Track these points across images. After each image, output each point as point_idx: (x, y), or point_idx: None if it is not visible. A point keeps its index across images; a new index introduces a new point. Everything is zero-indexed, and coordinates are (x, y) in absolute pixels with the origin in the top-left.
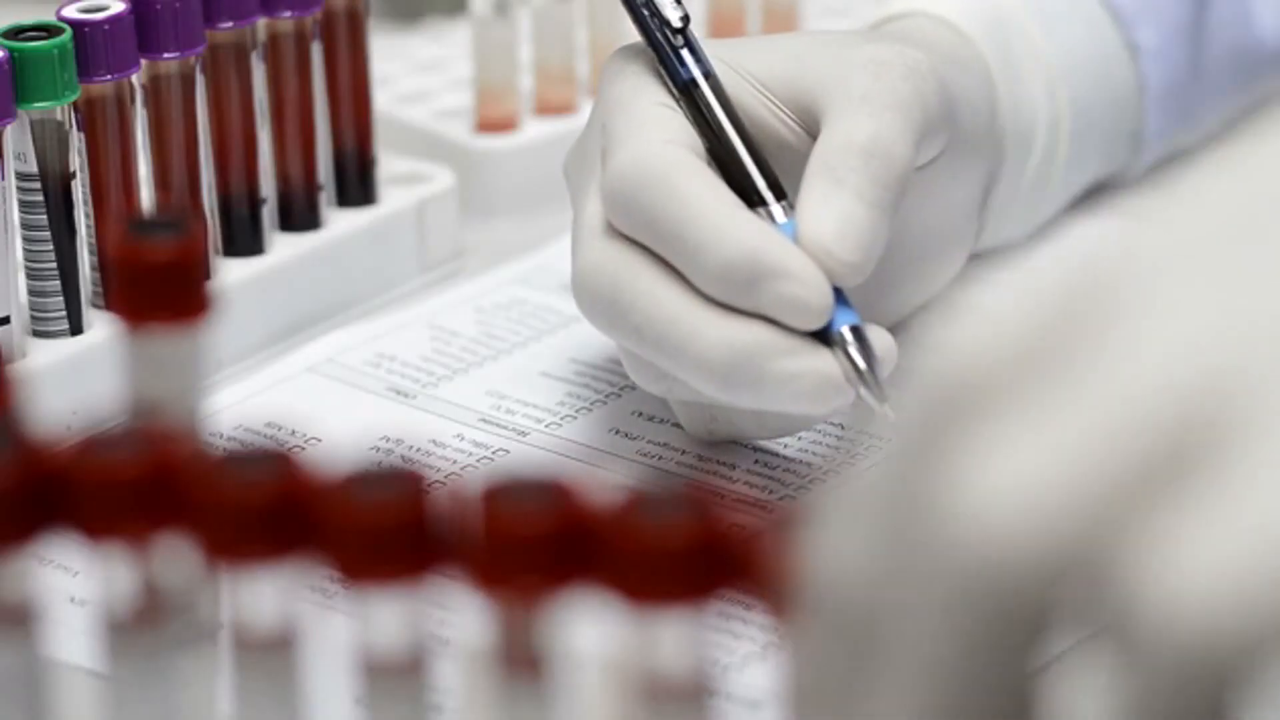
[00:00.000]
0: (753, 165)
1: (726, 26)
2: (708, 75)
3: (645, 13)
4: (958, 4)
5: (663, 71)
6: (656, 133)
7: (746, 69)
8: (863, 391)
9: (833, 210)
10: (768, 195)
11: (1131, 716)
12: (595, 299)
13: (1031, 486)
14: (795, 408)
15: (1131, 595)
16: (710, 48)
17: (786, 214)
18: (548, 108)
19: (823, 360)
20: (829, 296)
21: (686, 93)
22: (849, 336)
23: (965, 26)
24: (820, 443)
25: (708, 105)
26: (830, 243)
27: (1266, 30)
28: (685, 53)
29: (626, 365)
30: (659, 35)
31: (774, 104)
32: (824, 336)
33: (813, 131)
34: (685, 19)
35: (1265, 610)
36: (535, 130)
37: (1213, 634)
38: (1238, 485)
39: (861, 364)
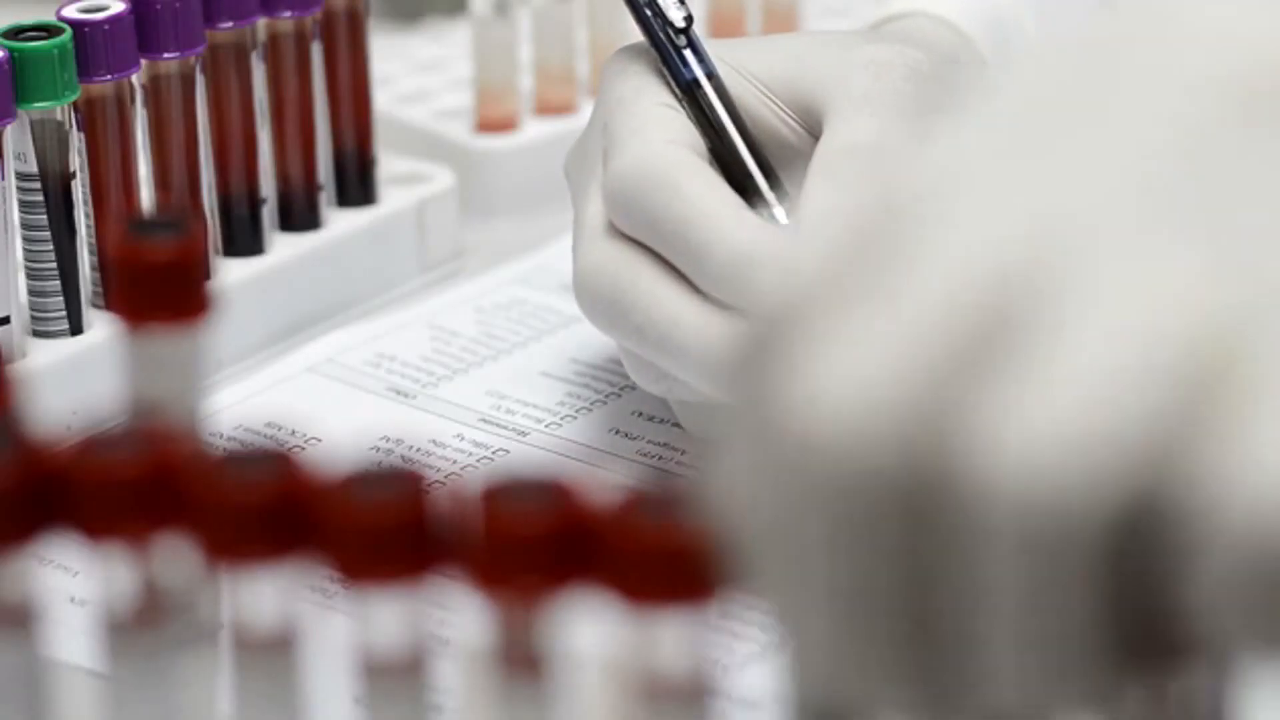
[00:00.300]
0: (755, 166)
1: (727, 26)
2: (710, 76)
3: (648, 13)
4: (958, 4)
5: (665, 71)
6: (658, 133)
7: (747, 69)
8: None
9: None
10: (770, 196)
11: (984, 587)
12: (596, 299)
13: (863, 380)
14: None
15: (971, 465)
16: (710, 48)
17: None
18: (548, 108)
19: None
20: None
21: (689, 93)
22: None
23: (965, 26)
24: None
25: (710, 105)
26: None
27: None
28: (688, 53)
29: (627, 365)
30: (662, 35)
31: (775, 104)
32: None
33: (814, 132)
34: (689, 19)
35: (1096, 461)
36: (535, 130)
37: (1047, 491)
38: (1055, 349)
39: None
